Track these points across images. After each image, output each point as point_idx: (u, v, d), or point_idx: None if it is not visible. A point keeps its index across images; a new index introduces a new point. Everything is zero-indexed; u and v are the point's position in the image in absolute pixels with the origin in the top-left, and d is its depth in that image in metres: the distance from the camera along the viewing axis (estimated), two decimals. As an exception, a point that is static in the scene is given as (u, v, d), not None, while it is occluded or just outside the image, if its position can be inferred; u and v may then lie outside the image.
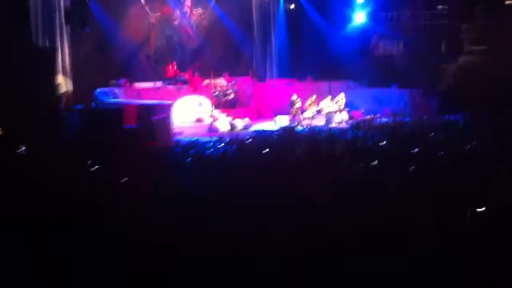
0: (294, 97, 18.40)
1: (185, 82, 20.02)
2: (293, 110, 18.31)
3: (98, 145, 11.29)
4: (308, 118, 18.17)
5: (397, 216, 6.32)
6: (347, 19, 22.56)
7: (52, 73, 14.98)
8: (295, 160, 10.91)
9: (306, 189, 7.58)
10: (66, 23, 18.18)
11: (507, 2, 20.74)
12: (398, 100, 19.35)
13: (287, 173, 9.26)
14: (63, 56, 18.08)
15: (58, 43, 17.94)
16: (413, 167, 9.25)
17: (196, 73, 20.21)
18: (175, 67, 20.18)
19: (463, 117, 16.22)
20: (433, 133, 13.30)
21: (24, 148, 10.06)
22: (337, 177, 8.62)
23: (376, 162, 9.73)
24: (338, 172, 9.23)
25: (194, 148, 12.90)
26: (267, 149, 11.82)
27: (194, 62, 20.78)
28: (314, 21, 22.90)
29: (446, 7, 21.62)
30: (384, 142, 11.97)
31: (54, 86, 14.69)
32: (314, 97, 18.58)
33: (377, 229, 5.89)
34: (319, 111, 18.58)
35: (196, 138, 14.88)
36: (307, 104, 18.41)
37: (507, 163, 8.88)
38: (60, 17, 18.08)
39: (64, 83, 17.64)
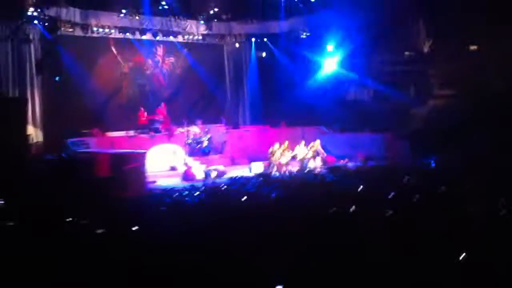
0: (276, 146, 18.25)
1: (157, 130, 19.93)
2: (273, 159, 18.11)
3: (69, 195, 11.04)
4: (283, 165, 18.10)
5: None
6: (318, 67, 22.87)
7: (23, 124, 14.74)
8: (273, 204, 10.88)
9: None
10: (37, 73, 18.07)
11: (471, 48, 21.38)
12: (370, 144, 19.53)
13: (264, 216, 9.21)
14: (34, 106, 17.92)
15: (29, 93, 17.81)
16: (390, 211, 9.24)
17: (168, 117, 20.19)
18: (145, 113, 20.08)
19: (434, 160, 16.41)
20: (407, 177, 13.34)
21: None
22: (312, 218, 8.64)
23: (353, 207, 9.69)
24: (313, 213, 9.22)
25: (169, 196, 12.75)
26: (245, 197, 11.74)
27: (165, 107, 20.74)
28: (286, 68, 23.20)
29: (413, 53, 22.16)
30: (361, 187, 11.94)
31: (24, 137, 14.41)
32: (287, 143, 18.60)
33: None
34: (293, 157, 18.55)
35: (170, 186, 14.68)
36: (280, 150, 18.41)
37: (476, 203, 8.96)
38: (31, 67, 18.01)
39: (34, 134, 17.42)
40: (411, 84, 22.21)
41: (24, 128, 15.02)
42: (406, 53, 22.38)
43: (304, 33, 22.87)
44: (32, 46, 18.17)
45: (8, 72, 17.54)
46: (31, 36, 18.03)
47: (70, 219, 9.09)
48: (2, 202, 10.50)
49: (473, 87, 19.55)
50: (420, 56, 21.95)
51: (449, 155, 16.42)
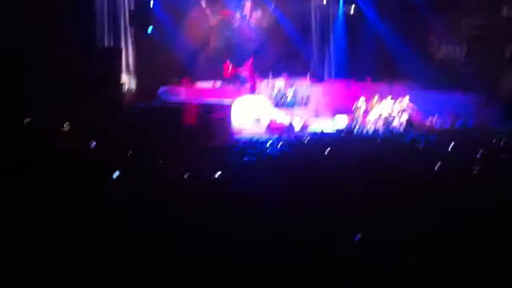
0: (361, 100, 18.06)
1: (243, 81, 20.20)
2: (357, 113, 17.97)
3: (158, 142, 11.58)
4: (370, 120, 17.88)
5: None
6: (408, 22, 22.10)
7: (118, 72, 15.44)
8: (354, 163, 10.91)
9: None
10: (130, 24, 18.70)
11: None
12: (460, 105, 18.87)
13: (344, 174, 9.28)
14: (127, 56, 18.64)
15: (123, 43, 18.53)
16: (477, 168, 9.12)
17: (255, 72, 20.37)
18: (231, 66, 20.36)
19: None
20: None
21: (94, 143, 10.40)
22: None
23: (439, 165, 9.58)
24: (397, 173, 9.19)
25: (253, 147, 13.07)
26: (328, 149, 11.83)
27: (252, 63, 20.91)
28: (374, 22, 22.62)
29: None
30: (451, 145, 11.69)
31: (119, 85, 15.12)
32: (376, 98, 18.30)
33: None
34: (380, 114, 18.27)
35: (255, 137, 15.00)
36: (369, 106, 18.14)
37: None
38: (124, 18, 18.66)
39: (128, 82, 18.19)
40: (507, 46, 21.03)
41: (118, 77, 15.73)
42: (505, 11, 21.11)
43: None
44: (125, -2, 18.79)
45: (104, 22, 18.26)
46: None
47: (159, 164, 9.61)
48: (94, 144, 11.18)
49: None
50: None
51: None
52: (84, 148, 10.37)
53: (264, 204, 7.00)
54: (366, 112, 18.08)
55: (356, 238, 5.57)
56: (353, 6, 23.33)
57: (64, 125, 12.70)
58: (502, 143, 12.43)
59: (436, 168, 9.62)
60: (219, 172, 8.78)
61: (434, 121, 17.93)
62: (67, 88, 13.01)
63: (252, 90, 19.79)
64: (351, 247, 5.54)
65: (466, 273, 4.93)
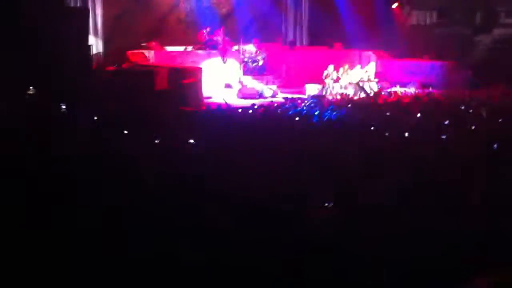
0: (330, 68, 18.07)
1: (214, 47, 19.91)
2: (327, 81, 17.97)
3: (130, 106, 11.41)
4: (341, 87, 17.96)
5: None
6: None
7: (85, 34, 15.05)
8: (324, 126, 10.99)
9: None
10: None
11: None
12: (430, 72, 19.08)
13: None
14: (95, 17, 18.16)
15: (90, 4, 18.03)
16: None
17: (226, 38, 20.11)
18: (205, 33, 20.02)
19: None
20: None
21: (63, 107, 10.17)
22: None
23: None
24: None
25: (223, 112, 13.00)
26: (297, 117, 11.88)
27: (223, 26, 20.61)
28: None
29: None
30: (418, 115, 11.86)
31: (86, 47, 14.76)
32: (347, 66, 18.37)
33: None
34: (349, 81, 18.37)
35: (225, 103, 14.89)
36: (339, 73, 18.20)
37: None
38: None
39: (96, 45, 17.77)
40: (477, 11, 21.24)
41: (86, 38, 15.34)
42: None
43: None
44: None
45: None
46: None
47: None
48: (64, 107, 10.97)
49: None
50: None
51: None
52: (52, 114, 10.14)
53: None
54: (336, 80, 18.12)
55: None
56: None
57: (29, 89, 12.41)
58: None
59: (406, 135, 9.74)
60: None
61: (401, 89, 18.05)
62: (31, 47, 12.62)
63: (223, 55, 19.56)
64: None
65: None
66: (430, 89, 17.83)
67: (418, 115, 11.86)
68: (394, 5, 22.31)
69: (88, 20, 16.24)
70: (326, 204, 5.49)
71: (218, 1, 22.06)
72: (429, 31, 21.57)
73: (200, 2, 21.46)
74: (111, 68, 15.84)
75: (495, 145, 8.42)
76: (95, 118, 9.88)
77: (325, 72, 18.01)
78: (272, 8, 22.92)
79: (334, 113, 12.49)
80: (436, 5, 21.81)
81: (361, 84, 18.44)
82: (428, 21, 22.16)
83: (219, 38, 19.81)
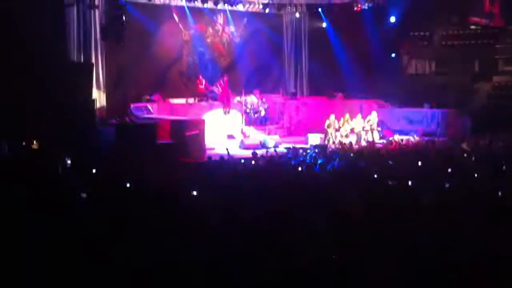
0: (332, 118, 18.19)
1: (215, 98, 20.12)
2: (329, 131, 18.04)
3: (133, 159, 11.43)
4: (342, 137, 18.05)
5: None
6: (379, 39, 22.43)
7: (89, 88, 15.25)
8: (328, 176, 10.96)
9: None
10: (102, 38, 18.51)
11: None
12: (431, 120, 19.19)
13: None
14: (98, 70, 18.40)
15: (94, 58, 18.31)
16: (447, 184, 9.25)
17: (229, 89, 20.37)
18: (204, 82, 20.28)
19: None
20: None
21: (69, 161, 10.18)
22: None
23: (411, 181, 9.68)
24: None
25: (226, 164, 12.98)
26: (300, 168, 11.89)
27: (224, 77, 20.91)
28: (345, 40, 22.88)
29: (479, 27, 21.43)
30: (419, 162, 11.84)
31: (90, 100, 14.93)
32: (348, 115, 18.51)
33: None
34: (352, 130, 18.46)
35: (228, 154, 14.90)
36: (340, 123, 18.33)
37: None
38: (95, 32, 18.47)
39: (99, 97, 17.96)
40: (476, 59, 21.55)
41: (89, 93, 15.53)
42: (472, 26, 21.65)
43: (366, 4, 22.42)
44: (97, 12, 18.58)
45: (74, 37, 18.01)
46: (96, 2, 18.41)
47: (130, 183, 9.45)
48: (70, 161, 10.99)
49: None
50: (486, 30, 21.23)
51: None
52: (57, 166, 10.14)
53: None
54: (337, 130, 18.22)
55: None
56: (324, 23, 23.58)
57: (34, 142, 12.48)
58: (473, 159, 12.61)
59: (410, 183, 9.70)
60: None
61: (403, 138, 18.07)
62: (39, 102, 12.80)
63: (225, 106, 19.76)
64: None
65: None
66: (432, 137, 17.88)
67: (419, 163, 11.83)
68: (393, 55, 22.64)
69: (92, 75, 16.47)
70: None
71: (219, 53, 22.45)
72: (429, 80, 21.81)
73: (202, 55, 21.84)
74: (113, 121, 15.95)
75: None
76: (94, 171, 9.87)
77: (327, 122, 18.12)
78: (273, 59, 23.31)
79: (337, 162, 12.49)
80: (435, 55, 22.13)
81: (363, 133, 18.53)
82: (426, 70, 22.44)
83: (219, 89, 20.07)
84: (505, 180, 9.81)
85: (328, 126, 18.08)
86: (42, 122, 12.85)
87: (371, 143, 17.25)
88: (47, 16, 15.55)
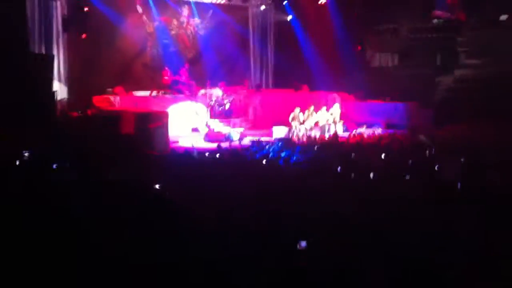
0: (297, 111, 18.24)
1: (180, 90, 20.00)
2: (294, 124, 18.10)
3: (95, 151, 11.27)
4: (307, 130, 18.16)
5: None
6: (344, 31, 22.58)
7: (49, 80, 14.93)
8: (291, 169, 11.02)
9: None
10: (64, 30, 18.17)
11: (500, 18, 20.91)
12: (394, 112, 19.44)
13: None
14: (59, 63, 18.08)
15: (55, 50, 17.97)
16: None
17: (193, 80, 20.30)
18: (169, 73, 20.17)
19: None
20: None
21: (27, 153, 9.98)
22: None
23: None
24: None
25: (190, 156, 12.94)
26: (264, 160, 11.93)
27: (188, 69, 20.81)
28: (310, 32, 22.99)
29: (442, 20, 21.75)
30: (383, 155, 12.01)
31: (51, 93, 14.62)
32: (312, 108, 18.59)
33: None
34: (316, 123, 18.56)
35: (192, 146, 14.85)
36: (305, 115, 18.43)
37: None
38: (57, 24, 18.12)
39: (60, 90, 17.64)
40: (438, 52, 21.88)
41: (50, 85, 15.21)
42: (435, 20, 21.96)
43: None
44: (59, 3, 18.22)
45: (35, 28, 17.65)
46: (58, -7, 18.06)
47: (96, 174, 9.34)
48: (27, 154, 10.76)
49: (502, 58, 19.30)
50: (449, 23, 21.56)
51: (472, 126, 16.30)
52: (16, 160, 9.94)
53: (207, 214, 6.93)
54: (302, 123, 18.29)
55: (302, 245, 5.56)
56: (289, 16, 23.63)
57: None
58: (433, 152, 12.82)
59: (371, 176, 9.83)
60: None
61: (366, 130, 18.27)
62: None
63: (190, 98, 19.65)
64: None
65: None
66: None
67: (383, 156, 12.00)
68: (358, 49, 22.83)
69: (52, 66, 16.13)
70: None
71: (184, 46, 22.28)
72: (392, 73, 22.07)
73: (166, 47, 21.63)
74: (75, 114, 15.69)
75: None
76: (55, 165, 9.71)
77: (292, 115, 18.16)
78: (238, 52, 23.25)
79: (300, 155, 12.57)
80: (397, 48, 22.39)
81: (327, 126, 18.65)
82: (390, 63, 22.69)
83: (183, 78, 19.97)
84: (464, 171, 10.05)
85: (293, 119, 18.13)
86: (1, 114, 12.52)
87: (334, 136, 17.38)
88: (7, 5, 15.13)
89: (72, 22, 18.13)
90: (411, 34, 21.85)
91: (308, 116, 18.41)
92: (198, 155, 13.23)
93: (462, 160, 11.04)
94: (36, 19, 17.64)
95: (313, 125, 18.32)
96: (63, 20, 18.14)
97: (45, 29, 17.88)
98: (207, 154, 13.30)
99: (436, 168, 10.40)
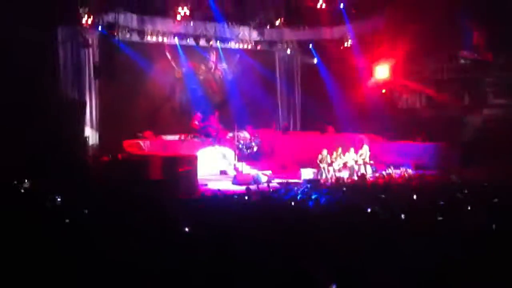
0: (324, 152, 18.27)
1: (208, 134, 20.21)
2: (322, 166, 18.11)
3: (125, 196, 11.38)
4: (335, 171, 18.10)
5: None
6: (369, 74, 22.67)
7: (81, 126, 15.26)
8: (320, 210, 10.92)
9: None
10: (95, 77, 18.64)
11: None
12: (422, 153, 19.27)
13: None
14: (91, 109, 18.49)
15: (87, 96, 18.41)
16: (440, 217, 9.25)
17: (221, 125, 20.52)
18: (199, 119, 20.44)
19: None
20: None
21: (59, 199, 10.13)
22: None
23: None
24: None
25: (220, 200, 12.95)
26: (293, 202, 11.87)
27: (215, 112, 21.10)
28: (337, 75, 23.12)
29: (469, 61, 21.74)
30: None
31: (83, 138, 14.92)
32: (340, 150, 18.59)
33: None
34: (344, 164, 18.51)
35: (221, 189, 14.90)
36: (333, 157, 18.39)
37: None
38: (89, 71, 18.63)
39: (91, 135, 17.99)
40: (465, 92, 21.79)
41: (82, 130, 15.54)
42: (462, 60, 21.96)
43: (355, 39, 22.76)
44: (90, 50, 18.78)
45: (68, 75, 18.17)
46: (89, 41, 18.60)
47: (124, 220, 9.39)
48: (60, 199, 10.91)
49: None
50: (476, 64, 21.53)
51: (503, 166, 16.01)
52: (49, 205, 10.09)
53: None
54: (330, 164, 18.27)
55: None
56: (315, 59, 23.89)
57: (26, 181, 12.42)
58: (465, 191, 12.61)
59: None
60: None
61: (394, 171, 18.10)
62: (31, 140, 12.79)
63: (218, 142, 19.84)
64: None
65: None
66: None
67: (414, 197, 11.83)
68: (383, 90, 22.86)
69: (84, 112, 16.52)
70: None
71: (212, 90, 22.63)
72: (419, 114, 21.99)
73: (194, 91, 21.99)
74: (106, 158, 15.94)
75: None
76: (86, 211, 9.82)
77: (320, 156, 18.16)
78: (265, 95, 23.49)
79: (330, 196, 12.48)
80: (425, 89, 22.36)
81: (356, 166, 18.58)
82: (418, 104, 22.62)
83: (212, 126, 20.19)
84: (498, 212, 9.84)
85: (321, 161, 18.12)
86: (36, 160, 12.81)
87: (362, 177, 17.27)
88: (41, 53, 15.66)
89: (103, 69, 18.57)
90: (439, 75, 21.84)
91: (336, 157, 18.40)
92: (226, 198, 13.25)
93: (495, 201, 10.83)
94: (69, 66, 18.21)
95: (341, 166, 18.27)
96: (95, 67, 18.62)
97: (77, 75, 18.42)
98: (235, 197, 13.31)
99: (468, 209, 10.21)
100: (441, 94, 21.73)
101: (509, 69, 20.27)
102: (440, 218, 9.41)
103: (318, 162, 18.12)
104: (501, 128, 19.13)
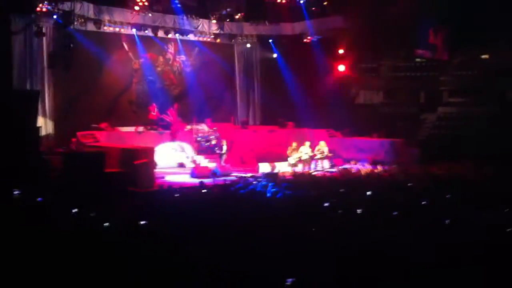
0: (294, 145, 18.55)
1: (166, 127, 19.96)
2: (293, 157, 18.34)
3: (80, 188, 11.13)
4: (291, 165, 18.17)
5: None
6: (328, 70, 22.80)
7: (34, 116, 14.79)
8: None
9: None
10: (49, 66, 18.15)
11: (482, 57, 21.37)
12: (379, 149, 19.52)
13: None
14: (44, 98, 18.03)
15: (40, 86, 17.93)
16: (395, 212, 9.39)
17: (179, 118, 20.29)
18: (156, 109, 20.16)
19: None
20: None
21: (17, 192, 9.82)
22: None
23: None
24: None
25: (177, 192, 12.81)
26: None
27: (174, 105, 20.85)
28: (296, 70, 23.17)
29: (425, 60, 22.15)
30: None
31: (35, 129, 14.46)
32: (295, 144, 18.70)
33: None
34: (299, 158, 18.62)
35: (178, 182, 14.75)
36: (288, 151, 18.47)
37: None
38: (43, 60, 18.14)
39: (45, 126, 17.52)
40: (422, 90, 22.20)
41: (35, 121, 15.08)
42: (418, 59, 22.36)
43: (315, 36, 22.87)
44: (44, 39, 18.28)
45: (21, 64, 17.66)
46: (44, 30, 18.09)
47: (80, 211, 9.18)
48: (17, 192, 10.58)
49: (485, 96, 19.65)
50: (431, 63, 21.94)
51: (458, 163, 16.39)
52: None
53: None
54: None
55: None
56: (275, 54, 23.88)
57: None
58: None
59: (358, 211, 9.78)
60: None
61: (353, 165, 18.33)
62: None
63: (176, 135, 19.61)
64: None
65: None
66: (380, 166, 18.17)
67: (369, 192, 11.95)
68: (342, 85, 23.05)
69: (37, 102, 16.02)
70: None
71: (170, 82, 22.36)
72: (377, 111, 22.27)
73: (152, 84, 21.68)
74: (60, 149, 15.54)
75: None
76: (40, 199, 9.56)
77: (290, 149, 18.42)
78: (224, 88, 23.40)
79: (287, 190, 12.51)
80: (382, 86, 22.67)
81: (313, 162, 18.71)
82: (375, 101, 22.91)
83: (170, 117, 19.96)
84: (450, 207, 10.04)
85: (291, 152, 18.44)
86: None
87: (321, 171, 17.42)
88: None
89: (58, 59, 18.07)
90: (395, 72, 22.18)
91: (291, 152, 18.52)
92: (183, 190, 13.11)
93: (448, 196, 11.05)
94: (23, 55, 17.69)
95: (297, 160, 18.38)
96: (49, 56, 18.12)
97: (31, 65, 17.91)
98: (192, 189, 13.20)
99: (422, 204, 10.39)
100: (398, 92, 22.07)
101: (465, 68, 20.74)
102: (395, 213, 9.55)
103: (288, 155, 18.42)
104: (456, 126, 19.57)
